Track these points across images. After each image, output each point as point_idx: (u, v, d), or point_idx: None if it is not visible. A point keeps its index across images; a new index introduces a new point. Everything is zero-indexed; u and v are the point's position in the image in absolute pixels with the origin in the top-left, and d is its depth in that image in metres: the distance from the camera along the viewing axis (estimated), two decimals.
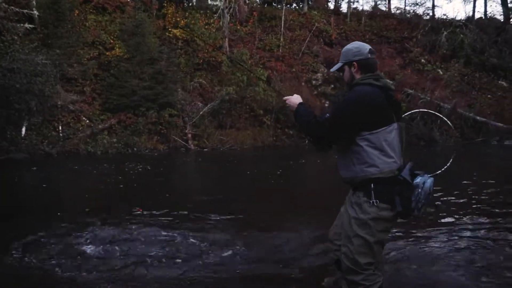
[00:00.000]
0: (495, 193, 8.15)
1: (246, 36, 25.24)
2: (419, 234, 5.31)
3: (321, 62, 24.76)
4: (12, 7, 16.23)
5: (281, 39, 25.22)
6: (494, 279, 3.88)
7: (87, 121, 17.93)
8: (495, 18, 31.21)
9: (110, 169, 12.73)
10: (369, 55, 2.88)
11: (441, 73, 24.90)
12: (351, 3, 31.12)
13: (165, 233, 5.41)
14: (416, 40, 27.01)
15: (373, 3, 34.30)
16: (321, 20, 27.44)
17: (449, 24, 27.50)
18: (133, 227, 5.66)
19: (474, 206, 7.03)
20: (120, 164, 13.40)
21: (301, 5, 30.34)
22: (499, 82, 25.19)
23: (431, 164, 12.25)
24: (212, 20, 23.32)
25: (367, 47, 2.91)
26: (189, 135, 18.97)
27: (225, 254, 4.63)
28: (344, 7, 32.18)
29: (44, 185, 10.00)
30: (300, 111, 2.94)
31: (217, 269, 4.19)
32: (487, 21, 30.03)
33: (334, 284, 3.54)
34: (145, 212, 6.63)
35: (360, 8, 33.06)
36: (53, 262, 4.44)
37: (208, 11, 24.98)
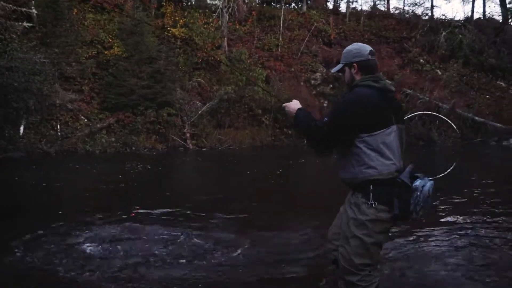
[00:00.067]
0: (494, 193, 8.16)
1: (245, 35, 25.24)
2: (419, 233, 5.31)
3: (320, 62, 24.78)
4: (10, 5, 16.16)
5: (280, 39, 25.22)
6: (494, 278, 3.88)
7: (86, 120, 17.90)
8: (494, 19, 31.30)
9: (109, 168, 12.71)
10: (369, 57, 2.86)
11: (439, 73, 24.94)
12: (350, 3, 31.15)
13: (167, 232, 5.39)
14: (415, 40, 27.05)
15: (372, 3, 34.39)
16: (320, 20, 27.46)
17: (448, 24, 27.55)
18: (135, 226, 5.64)
19: (473, 205, 7.04)
20: (119, 164, 13.39)
21: (300, 5, 30.35)
22: (498, 82, 25.25)
23: (431, 165, 12.29)
24: (211, 20, 23.30)
25: (367, 48, 2.90)
26: (188, 135, 18.96)
27: (228, 253, 4.60)
28: (343, 7, 32.21)
29: (44, 184, 9.97)
30: (299, 116, 2.93)
31: (220, 269, 4.16)
32: (486, 21, 30.10)
33: (332, 284, 3.53)
34: (146, 211, 6.62)
35: (359, 8, 33.13)
36: (54, 261, 4.40)
37: (207, 10, 24.97)
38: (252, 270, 4.13)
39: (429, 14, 31.13)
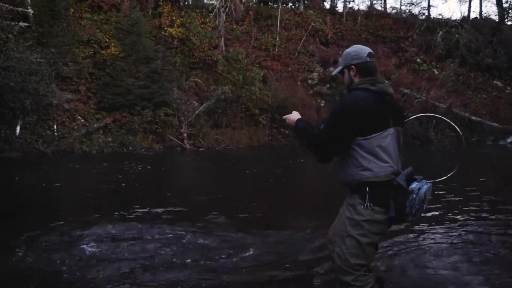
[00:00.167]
0: (492, 192, 8.19)
1: (242, 35, 25.24)
2: (418, 231, 5.32)
3: (317, 62, 24.80)
4: (6, 5, 16.13)
5: (277, 39, 25.23)
6: (494, 276, 3.88)
7: (82, 120, 17.86)
8: (490, 18, 31.39)
9: (109, 168, 12.69)
10: (368, 59, 2.86)
11: (436, 72, 25.00)
12: (347, 3, 31.24)
13: (169, 231, 5.38)
14: (412, 39, 27.11)
15: (369, 3, 34.44)
16: (317, 20, 27.48)
17: (445, 24, 27.62)
18: (136, 226, 5.62)
19: (472, 203, 7.05)
20: (118, 164, 13.37)
21: (297, 5, 30.34)
22: (494, 82, 25.33)
23: (429, 166, 12.33)
24: (208, 19, 23.28)
25: (366, 50, 2.89)
26: (185, 135, 18.94)
27: (231, 254, 4.57)
28: (340, 7, 32.25)
29: (43, 184, 9.95)
30: (299, 126, 2.96)
31: (223, 270, 4.14)
32: (482, 21, 30.18)
33: (329, 284, 3.55)
34: (147, 210, 6.61)
35: (356, 7, 33.21)
36: (54, 262, 4.38)
37: (204, 10, 24.94)
38: (255, 272, 4.11)
39: (426, 13, 31.27)
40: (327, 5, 33.59)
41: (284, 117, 3.13)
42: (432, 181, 2.89)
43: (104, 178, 10.62)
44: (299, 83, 23.31)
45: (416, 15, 30.74)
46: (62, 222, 5.89)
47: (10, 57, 14.54)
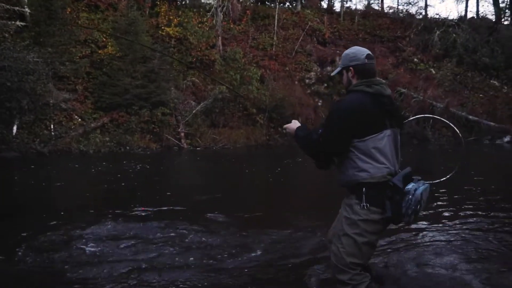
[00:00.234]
0: (491, 190, 8.20)
1: (240, 34, 25.24)
2: (418, 230, 5.33)
3: (314, 61, 24.83)
4: (3, 4, 16.05)
5: (275, 38, 25.24)
6: (493, 274, 3.88)
7: (79, 119, 17.82)
8: (487, 18, 31.55)
9: (108, 168, 12.64)
10: (366, 60, 2.87)
11: (433, 72, 25.06)
12: (344, 2, 31.23)
13: (169, 231, 5.36)
14: (409, 39, 27.19)
15: (366, 2, 34.49)
16: (314, 19, 27.50)
17: (442, 23, 27.70)
18: (137, 225, 5.60)
19: (470, 202, 7.06)
20: (117, 163, 13.34)
21: (294, 4, 30.39)
22: (491, 81, 25.41)
23: (428, 165, 12.34)
24: (205, 19, 23.28)
25: (364, 52, 2.91)
26: (182, 134, 18.92)
27: (233, 255, 4.55)
28: (337, 6, 32.31)
29: (43, 184, 9.92)
30: (299, 133, 3.01)
31: (227, 270, 4.12)
32: (479, 20, 30.32)
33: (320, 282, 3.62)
34: (148, 210, 6.59)
35: (353, 7, 33.26)
36: (54, 261, 4.34)
37: (201, 10, 24.94)
38: (257, 272, 4.09)
39: (423, 13, 31.31)
40: (324, 4, 33.73)
41: (284, 126, 3.20)
42: (431, 182, 2.91)
43: (104, 178, 10.60)
44: (296, 82, 23.32)
45: (413, 15, 30.84)
46: (62, 222, 5.86)
47: (7, 56, 14.46)
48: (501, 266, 4.10)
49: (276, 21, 25.67)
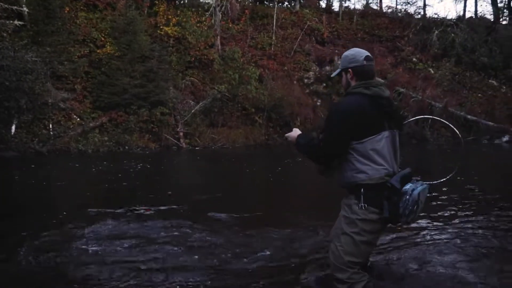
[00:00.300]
0: (490, 190, 8.21)
1: (238, 34, 25.24)
2: (419, 229, 5.34)
3: (313, 61, 24.84)
4: (1, 3, 16.03)
5: (273, 38, 25.25)
6: (493, 273, 3.89)
7: (78, 119, 17.81)
8: (486, 18, 31.59)
9: (108, 167, 12.63)
10: (365, 62, 2.88)
11: (432, 72, 25.10)
12: (343, 2, 31.26)
13: (170, 230, 5.34)
14: (408, 39, 27.22)
15: (364, 2, 34.54)
16: (313, 19, 27.52)
17: (440, 23, 27.75)
18: (138, 225, 5.58)
19: (470, 202, 7.07)
20: (116, 163, 13.33)
21: (293, 4, 30.40)
22: (490, 81, 25.45)
23: (427, 166, 12.35)
24: (204, 18, 23.26)
25: (363, 54, 2.91)
26: (181, 134, 18.92)
27: (235, 255, 4.54)
28: (336, 6, 32.25)
29: (44, 183, 9.89)
30: (300, 141, 3.02)
31: (231, 270, 4.12)
32: (478, 20, 30.35)
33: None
34: (149, 209, 6.58)
35: (352, 6, 33.31)
36: (55, 261, 4.32)
37: (199, 9, 24.92)
38: (259, 272, 4.09)
39: (422, 13, 31.35)
40: (323, 4, 33.69)
41: (286, 135, 3.22)
42: (430, 182, 2.92)
43: (104, 177, 10.58)
44: (295, 82, 23.33)
45: (412, 14, 30.87)
46: (62, 222, 5.84)
47: (5, 56, 14.45)
48: (501, 264, 4.10)
49: (274, 20, 25.68)
